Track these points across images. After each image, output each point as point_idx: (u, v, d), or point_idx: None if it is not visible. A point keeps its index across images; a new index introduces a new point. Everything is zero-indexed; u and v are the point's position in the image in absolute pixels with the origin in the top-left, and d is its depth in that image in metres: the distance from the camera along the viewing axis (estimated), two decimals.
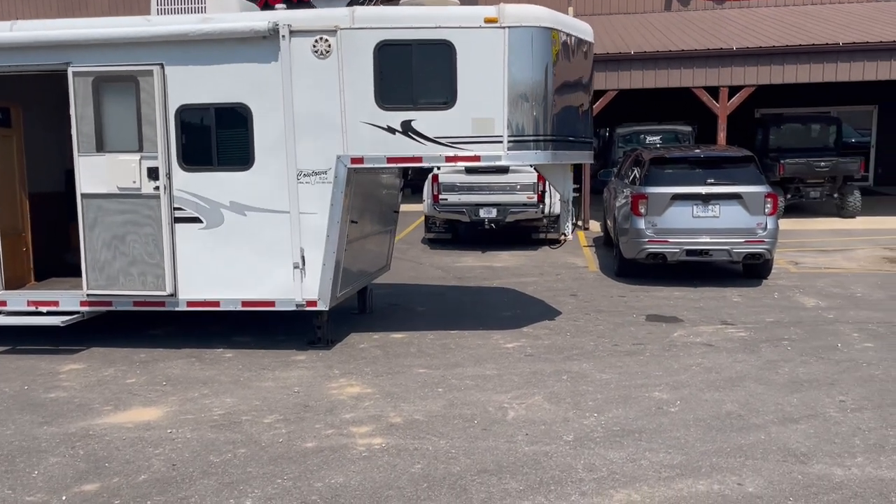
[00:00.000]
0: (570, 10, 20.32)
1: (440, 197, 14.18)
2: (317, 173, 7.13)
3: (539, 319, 8.83)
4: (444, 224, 14.70)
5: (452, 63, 6.96)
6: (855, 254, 13.07)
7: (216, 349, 7.61)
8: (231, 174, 7.20)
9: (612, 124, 19.14)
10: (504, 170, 13.70)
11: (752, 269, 11.15)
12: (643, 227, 10.68)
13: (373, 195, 8.41)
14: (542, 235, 14.55)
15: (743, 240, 10.47)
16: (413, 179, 16.15)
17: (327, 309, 7.29)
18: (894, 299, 9.61)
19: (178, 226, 7.26)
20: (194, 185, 7.22)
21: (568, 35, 7.44)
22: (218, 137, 7.17)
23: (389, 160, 7.09)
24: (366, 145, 7.06)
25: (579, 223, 16.91)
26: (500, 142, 7.07)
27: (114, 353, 7.46)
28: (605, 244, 13.69)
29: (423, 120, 7.03)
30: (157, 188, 7.15)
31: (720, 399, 6.02)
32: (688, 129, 17.57)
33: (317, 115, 7.07)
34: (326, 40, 6.99)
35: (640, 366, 6.96)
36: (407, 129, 7.04)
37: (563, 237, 8.25)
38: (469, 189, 14.09)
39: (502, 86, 7.00)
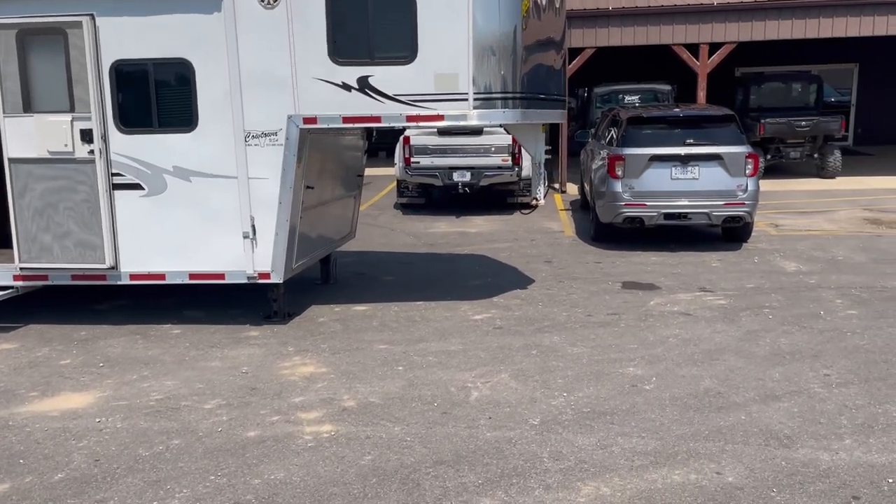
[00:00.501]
0: None
1: (412, 160, 13.59)
2: (266, 135, 6.54)
3: (511, 288, 8.37)
4: (416, 188, 14.13)
5: (413, 12, 6.36)
6: (836, 215, 12.69)
7: (164, 325, 7.08)
8: (173, 136, 6.60)
9: (591, 84, 18.54)
10: (478, 131, 13.12)
11: (732, 233, 10.73)
12: (620, 190, 10.20)
13: (333, 158, 7.84)
14: (517, 199, 14.01)
15: (723, 202, 10.02)
16: (383, 143, 15.52)
17: (281, 281, 6.76)
18: (876, 262, 9.24)
19: (117, 193, 6.67)
20: (133, 148, 6.61)
21: None
22: (158, 96, 6.55)
23: (345, 120, 6.51)
24: (319, 104, 6.48)
25: (555, 186, 16.41)
26: (466, 100, 6.51)
27: (52, 331, 6.91)
28: (583, 208, 13.21)
29: (382, 76, 6.44)
30: (91, 152, 6.54)
31: (698, 375, 5.60)
32: (667, 88, 17.01)
33: (265, 72, 6.46)
34: None
35: (614, 338, 6.52)
36: (364, 85, 6.45)
37: (534, 201, 7.74)
38: (442, 152, 13.51)
39: (467, 38, 6.41)
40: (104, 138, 6.55)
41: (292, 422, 4.84)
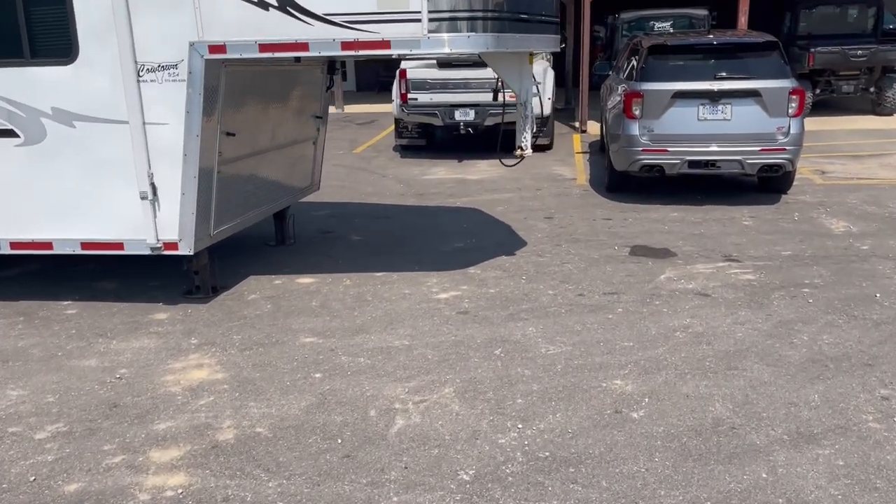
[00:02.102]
0: None
1: (409, 97, 11.98)
2: (164, 67, 5.06)
3: (495, 254, 6.88)
4: (416, 128, 12.54)
5: None
6: (894, 160, 10.82)
7: (62, 301, 5.78)
8: (50, 70, 5.15)
9: (619, 11, 16.48)
10: (483, 63, 11.42)
11: (770, 183, 9.02)
12: (637, 132, 8.52)
13: (276, 96, 6.32)
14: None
15: (759, 147, 8.30)
16: (391, 77, 13.82)
17: (191, 252, 5.37)
18: None
19: None
20: (2, 85, 5.19)
21: None
22: (28, 17, 5.08)
23: (263, 48, 4.98)
24: (229, 26, 4.95)
25: (575, 125, 14.65)
26: (418, 20, 4.92)
27: None
28: (601, 150, 11.54)
29: None
30: None
31: (707, 395, 4.11)
32: (703, 13, 14.91)
33: None
34: None
35: (605, 330, 5.04)
36: (286, 2, 4.89)
37: (518, 152, 6.15)
38: (443, 87, 11.86)
39: None
40: None
41: (136, 467, 3.50)
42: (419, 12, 4.90)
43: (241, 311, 5.53)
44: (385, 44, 4.97)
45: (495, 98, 5.89)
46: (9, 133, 5.25)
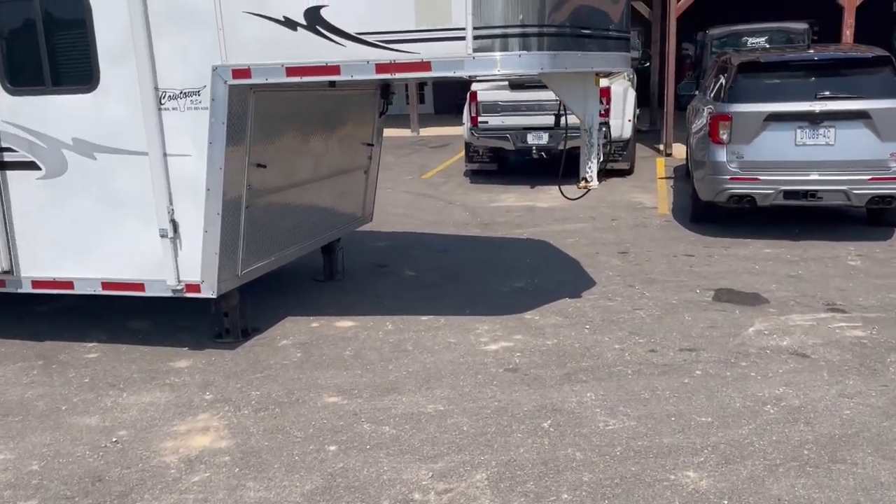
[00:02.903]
0: None
1: (479, 120, 11.37)
2: (186, 94, 4.59)
3: (558, 296, 6.13)
4: (487, 152, 11.90)
5: None
6: None
7: (88, 342, 5.39)
8: (70, 99, 4.78)
9: (707, 27, 15.44)
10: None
11: (881, 216, 7.92)
12: (724, 159, 7.61)
13: (320, 122, 5.80)
14: (608, 166, 11.56)
15: (868, 176, 7.25)
16: (462, 99, 13.36)
17: (214, 295, 4.87)
18: None
19: (8, 174, 4.96)
20: (25, 114, 4.86)
21: None
22: (49, 42, 4.73)
23: (290, 72, 4.45)
24: (252, 48, 4.45)
25: (659, 147, 13.70)
26: (462, 37, 4.28)
27: None
28: (687, 176, 10.59)
29: (340, 4, 4.32)
30: None
31: (806, 499, 3.24)
32: (803, 27, 13.70)
33: (178, 3, 4.48)
34: None
35: (679, 399, 4.22)
36: (315, 20, 4.35)
37: (582, 184, 5.40)
38: (514, 109, 11.20)
39: None
40: None
41: None
42: (463, 29, 4.26)
43: (268, 359, 4.99)
44: (425, 65, 4.36)
45: (557, 124, 5.23)
46: (30, 165, 4.90)
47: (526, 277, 6.77)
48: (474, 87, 11.33)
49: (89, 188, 4.84)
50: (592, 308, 5.84)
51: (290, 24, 4.38)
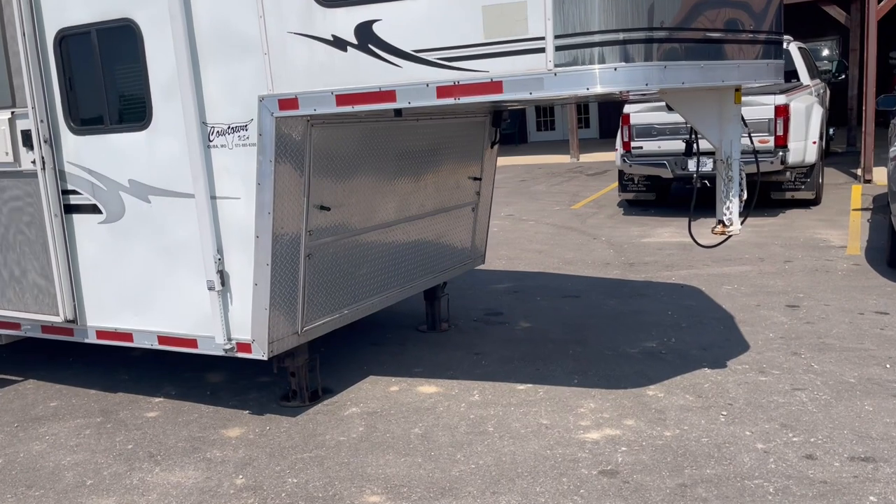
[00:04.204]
0: None
1: (632, 145, 10.18)
2: (234, 129, 4.02)
3: (695, 364, 4.91)
4: (643, 181, 10.65)
5: None
6: None
7: (155, 397, 4.98)
8: (127, 138, 4.38)
9: None
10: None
11: None
12: None
13: (411, 156, 5.06)
14: (788, 195, 9.91)
15: None
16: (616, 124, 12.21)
17: (265, 357, 4.21)
18: None
19: (74, 218, 4.65)
20: (87, 155, 4.53)
21: None
22: (106, 78, 4.37)
23: (340, 100, 3.73)
24: (300, 75, 3.78)
25: (857, 173, 11.63)
26: (541, 49, 3.35)
27: (17, 399, 5.17)
28: (887, 206, 8.73)
29: (394, 18, 3.55)
30: (34, 161, 4.58)
31: None
32: None
33: (224, 28, 3.93)
34: None
35: None
36: (367, 38, 3.61)
37: (719, 228, 4.17)
38: (673, 132, 9.89)
39: None
40: (50, 142, 4.55)
41: None
42: (542, 38, 3.32)
43: (326, 433, 4.25)
44: (495, 86, 3.45)
45: (688, 151, 4.14)
46: (93, 209, 4.56)
47: (662, 336, 5.57)
48: (627, 108, 10.17)
49: (144, 233, 4.40)
50: (737, 385, 4.56)
51: (339, 43, 3.66)
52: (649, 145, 10.02)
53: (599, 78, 3.34)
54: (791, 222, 9.30)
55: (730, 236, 4.31)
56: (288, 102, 3.81)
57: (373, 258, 4.93)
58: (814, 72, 11.82)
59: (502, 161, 17.71)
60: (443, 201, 5.57)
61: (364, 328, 6.04)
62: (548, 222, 10.56)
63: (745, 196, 4.23)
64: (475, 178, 5.90)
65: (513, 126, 20.85)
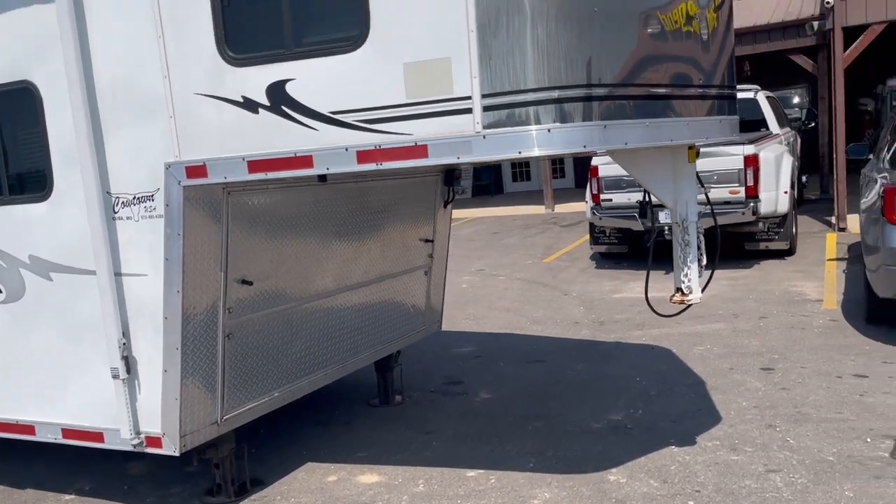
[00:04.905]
0: None
1: (602, 197, 9.85)
2: (140, 200, 3.61)
3: (661, 441, 4.46)
4: (615, 233, 10.30)
5: None
6: None
7: (66, 494, 4.45)
8: (27, 210, 3.96)
9: (886, 78, 13.01)
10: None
11: None
12: None
13: (351, 219, 4.66)
14: (762, 246, 9.57)
15: None
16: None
17: (177, 453, 3.73)
18: None
19: None
20: None
21: None
22: (5, 145, 3.96)
23: (253, 166, 3.33)
24: (209, 139, 3.39)
25: (831, 220, 11.37)
26: (468, 109, 2.98)
27: None
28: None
29: (310, 77, 3.18)
30: None
31: None
32: None
33: (127, 89, 3.55)
34: None
35: None
36: (280, 99, 3.23)
37: (677, 297, 3.76)
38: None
39: None
40: None
41: None
42: (468, 98, 2.96)
43: None
44: (420, 150, 3.08)
45: (643, 212, 3.82)
46: None
47: (629, 406, 5.13)
48: (595, 160, 9.87)
49: (46, 315, 3.95)
50: (706, 466, 4.11)
51: (250, 105, 3.28)
52: (619, 197, 9.70)
53: (532, 140, 2.98)
54: (766, 274, 8.96)
55: (689, 305, 3.91)
56: (196, 170, 3.41)
57: (309, 332, 4.49)
58: (783, 120, 11.65)
59: (477, 212, 17.42)
60: (391, 266, 5.16)
61: (310, 403, 5.55)
62: (519, 277, 10.16)
63: (704, 261, 3.85)
64: (427, 240, 5.50)
65: (489, 176, 20.62)
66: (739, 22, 13.88)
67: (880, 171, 6.42)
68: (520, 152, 3.00)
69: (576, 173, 20.57)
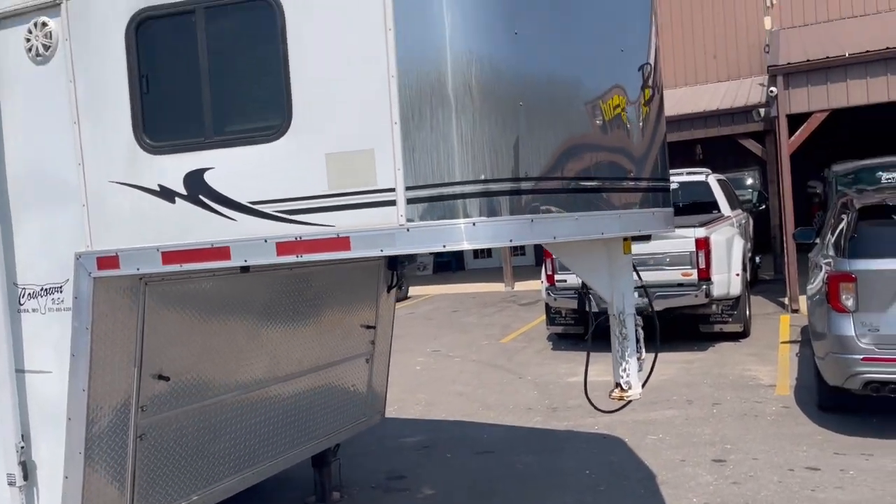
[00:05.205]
0: (768, 20, 15.12)
1: (556, 278, 9.79)
2: (48, 291, 3.40)
3: None
4: (571, 313, 10.20)
5: (280, 42, 2.95)
6: None
7: None
8: None
9: (832, 162, 13.40)
10: (645, 235, 9.01)
11: None
12: (852, 332, 5.59)
13: (284, 307, 4.46)
14: (716, 328, 9.55)
15: None
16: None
17: None
18: None
19: None
20: None
21: None
22: None
23: (167, 258, 3.15)
24: (122, 229, 3.22)
25: (784, 301, 11.43)
26: (391, 202, 2.86)
27: None
28: None
29: (229, 166, 3.05)
30: None
31: None
32: None
33: (38, 175, 3.39)
34: (45, 25, 3.32)
35: None
36: (198, 188, 3.09)
37: (616, 393, 3.60)
38: None
39: (385, 78, 2.83)
40: None
41: None
42: (392, 190, 2.85)
43: None
44: (342, 242, 2.93)
45: (580, 306, 3.74)
46: None
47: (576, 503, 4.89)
48: None
49: None
50: None
51: (166, 194, 3.13)
52: (573, 278, 9.61)
53: (457, 234, 2.86)
54: (721, 357, 8.89)
55: (629, 402, 3.75)
56: (107, 261, 3.22)
57: (236, 428, 4.22)
58: (735, 202, 11.85)
59: (438, 289, 17.28)
60: (328, 355, 4.94)
61: (241, 501, 5.21)
62: (474, 359, 9.95)
63: (643, 356, 3.72)
64: (369, 327, 5.31)
65: (450, 253, 20.60)
66: (690, 107, 14.31)
67: (825, 257, 6.45)
68: (444, 246, 2.88)
69: (536, 251, 20.62)
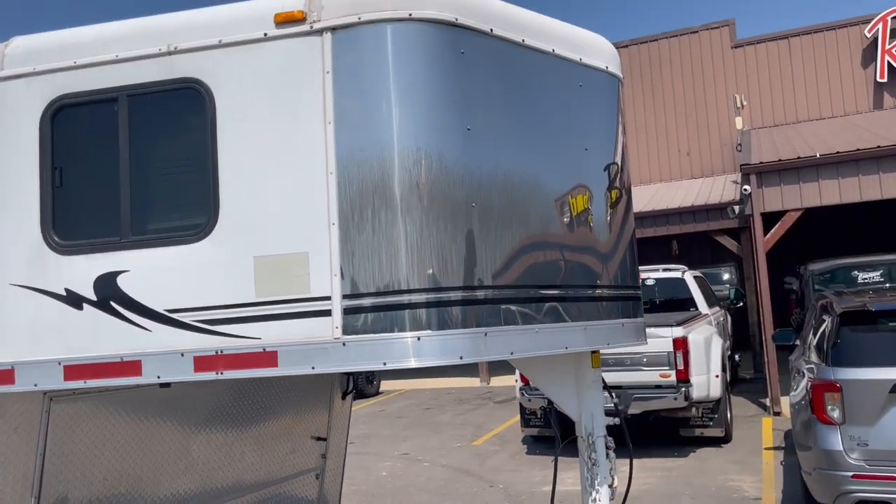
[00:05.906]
0: (739, 120, 15.38)
1: None
2: None
3: None
4: (546, 414, 9.71)
5: (209, 133, 2.67)
6: None
7: None
8: None
9: (808, 259, 13.30)
10: None
11: None
12: (840, 447, 5.19)
13: (221, 418, 4.00)
14: (697, 432, 9.10)
15: None
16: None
17: None
18: None
19: None
20: None
21: (518, 41, 2.86)
22: None
23: (70, 372, 2.75)
24: (21, 338, 2.82)
25: (765, 402, 11.03)
26: (327, 312, 2.51)
27: None
28: None
29: (146, 269, 2.70)
30: None
31: None
32: None
33: None
34: None
35: None
36: (109, 293, 2.72)
37: None
38: None
39: (324, 174, 2.54)
40: None
41: None
42: (328, 299, 2.50)
43: None
44: (269, 357, 2.56)
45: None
46: None
47: None
48: None
49: None
50: None
51: (73, 299, 2.76)
52: None
53: (400, 350, 2.50)
54: (702, 464, 8.40)
55: None
56: (1, 374, 2.80)
57: None
58: (712, 299, 11.60)
59: (413, 384, 16.66)
60: (271, 472, 4.45)
61: None
62: (444, 464, 9.36)
63: (615, 483, 3.30)
64: (320, 439, 4.83)
65: None
66: (665, 203, 14.29)
67: (808, 362, 6.11)
68: (385, 363, 2.50)
69: None
